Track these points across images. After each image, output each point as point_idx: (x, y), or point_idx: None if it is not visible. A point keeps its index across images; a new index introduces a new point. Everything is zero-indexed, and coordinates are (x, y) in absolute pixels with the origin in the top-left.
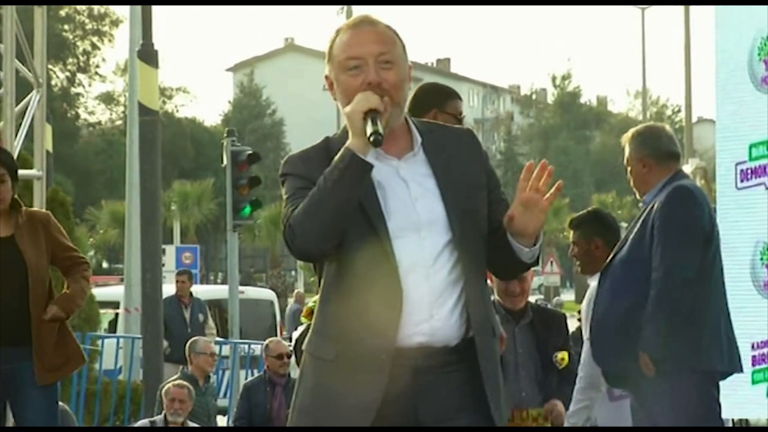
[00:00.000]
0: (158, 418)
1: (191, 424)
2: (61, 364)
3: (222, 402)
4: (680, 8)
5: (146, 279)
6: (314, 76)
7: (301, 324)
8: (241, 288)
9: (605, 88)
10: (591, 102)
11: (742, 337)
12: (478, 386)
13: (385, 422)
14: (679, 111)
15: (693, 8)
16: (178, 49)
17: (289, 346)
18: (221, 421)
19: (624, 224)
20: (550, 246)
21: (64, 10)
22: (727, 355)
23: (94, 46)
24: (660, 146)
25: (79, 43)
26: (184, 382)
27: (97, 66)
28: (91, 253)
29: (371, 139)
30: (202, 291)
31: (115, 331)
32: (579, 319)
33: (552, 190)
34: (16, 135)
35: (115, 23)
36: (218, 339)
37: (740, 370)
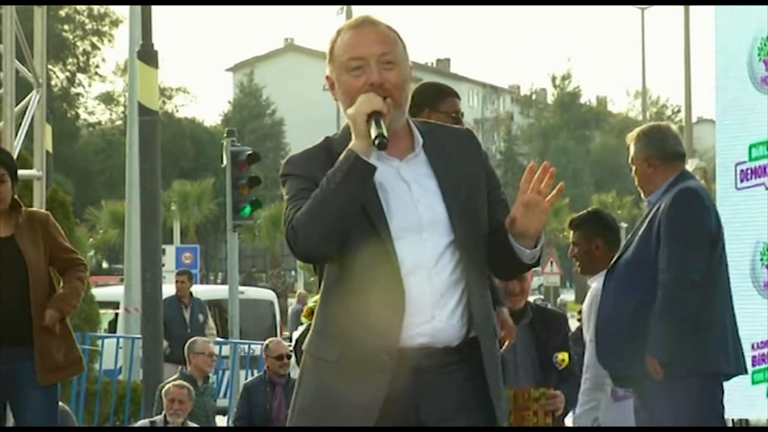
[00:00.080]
0: (158, 419)
1: (191, 425)
2: (63, 365)
3: (222, 402)
4: (680, 8)
5: (146, 279)
6: (314, 76)
7: (302, 324)
8: (241, 288)
9: (605, 88)
10: (591, 102)
11: (742, 337)
12: (479, 385)
13: (386, 422)
14: (678, 111)
15: (693, 8)
16: (177, 49)
17: (289, 346)
18: (221, 421)
19: (624, 224)
20: (549, 246)
21: (63, 10)
22: (732, 357)
23: (94, 47)
24: (665, 146)
25: (78, 43)
26: (184, 383)
27: (97, 66)
28: (91, 253)
29: (376, 142)
30: (202, 291)
31: (115, 331)
32: (579, 320)
33: (554, 192)
34: (16, 135)
35: (115, 23)
36: (218, 339)
37: (745, 371)
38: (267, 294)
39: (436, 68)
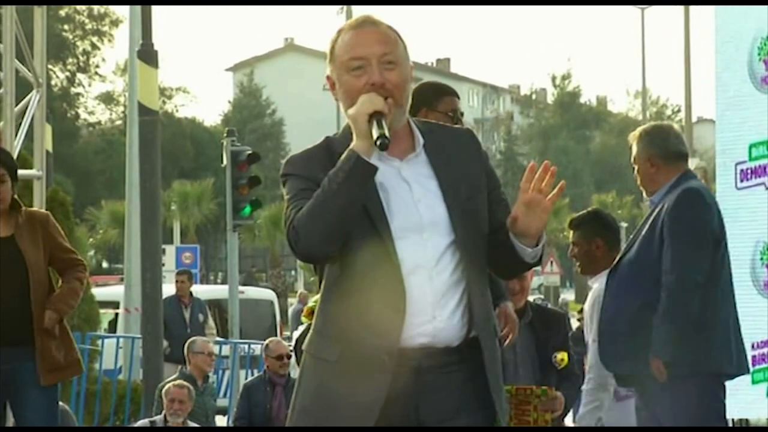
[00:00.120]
0: (158, 418)
1: (191, 424)
2: (63, 365)
3: (222, 402)
4: (680, 8)
5: (146, 279)
6: (314, 76)
7: (302, 324)
8: (241, 288)
9: (605, 88)
10: (591, 102)
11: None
12: (480, 385)
13: (386, 422)
14: (678, 111)
15: (693, 8)
16: (177, 49)
17: (289, 346)
18: (221, 420)
19: (624, 224)
20: (549, 246)
21: (63, 10)
22: (735, 357)
23: (94, 46)
24: (668, 146)
25: (78, 43)
26: (184, 383)
27: (97, 66)
28: (91, 253)
29: (378, 143)
30: (202, 291)
31: (115, 331)
32: (579, 320)
33: (555, 191)
34: (16, 135)
35: (115, 23)
36: (218, 339)
37: (748, 371)
38: (267, 294)
39: (436, 68)
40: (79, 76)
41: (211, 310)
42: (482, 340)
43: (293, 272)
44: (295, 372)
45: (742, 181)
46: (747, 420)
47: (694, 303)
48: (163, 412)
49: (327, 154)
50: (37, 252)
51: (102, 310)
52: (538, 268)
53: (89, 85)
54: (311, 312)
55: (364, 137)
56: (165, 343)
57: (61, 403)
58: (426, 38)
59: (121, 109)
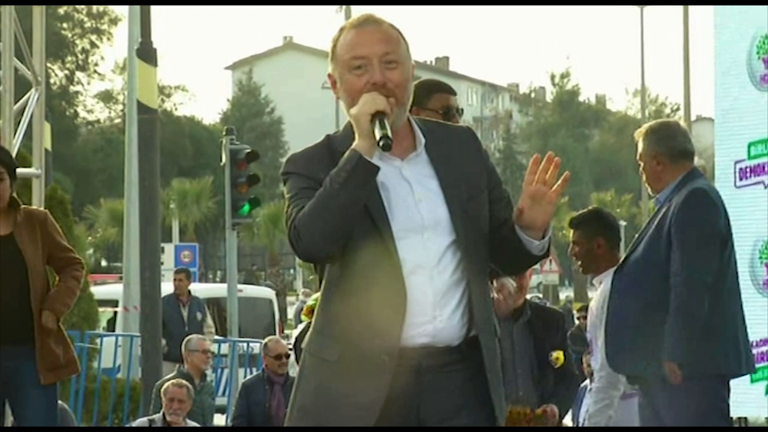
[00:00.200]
0: (157, 417)
1: (190, 423)
2: (62, 364)
3: (221, 400)
4: (679, 7)
5: (145, 277)
6: (313, 74)
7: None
8: (239, 286)
9: (604, 87)
10: (590, 100)
11: None
12: (480, 384)
13: (386, 422)
14: (677, 109)
15: (692, 7)
16: (176, 47)
17: (288, 345)
18: (220, 419)
19: (623, 223)
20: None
21: (62, 9)
22: (744, 357)
23: (93, 45)
24: (675, 144)
25: (77, 42)
26: (183, 381)
27: (96, 64)
28: (90, 251)
29: (381, 143)
30: (200, 289)
31: (113, 330)
32: (578, 318)
33: (559, 182)
34: (14, 133)
35: (114, 21)
36: (217, 337)
37: (753, 370)
38: (266, 292)
39: (435, 66)
40: (78, 74)
41: (210, 308)
42: (482, 339)
43: (292, 271)
44: (294, 371)
45: (741, 179)
46: (746, 419)
47: (703, 303)
48: (162, 410)
49: (328, 153)
50: (35, 250)
51: (101, 309)
52: (537, 266)
53: (88, 84)
54: (311, 311)
55: (366, 137)
56: (163, 342)
57: (59, 401)
58: (425, 37)
59: (120, 107)
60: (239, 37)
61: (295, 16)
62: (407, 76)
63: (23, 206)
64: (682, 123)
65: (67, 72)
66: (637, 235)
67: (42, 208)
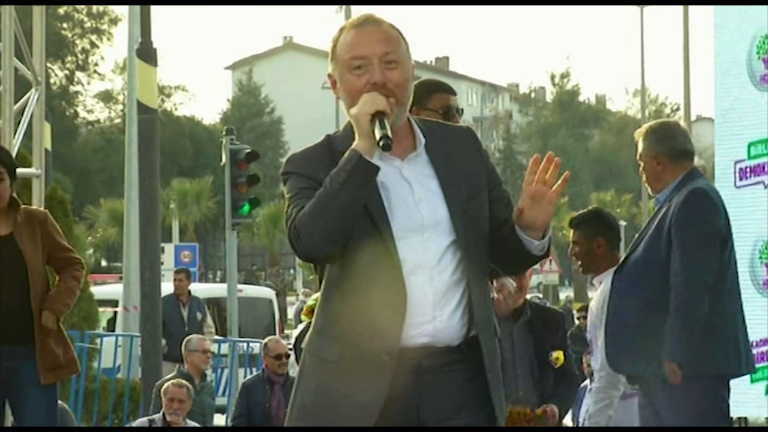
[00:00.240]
0: (157, 417)
1: (190, 423)
2: (62, 364)
3: (221, 400)
4: (679, 7)
5: (145, 277)
6: (313, 74)
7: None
8: (239, 286)
9: (604, 87)
10: (590, 100)
11: None
12: (480, 384)
13: (387, 422)
14: (677, 109)
15: (692, 7)
16: (176, 47)
17: (288, 344)
18: (220, 419)
19: (623, 223)
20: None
21: (62, 9)
22: (744, 357)
23: (93, 45)
24: (675, 144)
25: (77, 42)
26: (184, 381)
27: (96, 64)
28: (90, 251)
29: (381, 143)
30: (200, 289)
31: (113, 330)
32: (578, 318)
33: (559, 182)
34: (14, 133)
35: (114, 21)
36: (217, 337)
37: (754, 370)
38: (266, 292)
39: (435, 66)
40: (78, 74)
41: (210, 308)
42: (482, 339)
43: (292, 271)
44: (294, 371)
45: (741, 179)
46: (746, 419)
47: (703, 303)
48: (162, 410)
49: (328, 153)
50: (35, 250)
51: (101, 309)
52: (537, 266)
53: (88, 84)
54: (311, 310)
55: (366, 137)
56: (163, 342)
57: (59, 401)
58: (425, 37)
59: (120, 107)
60: (239, 37)
61: (295, 16)
62: (407, 76)
63: (23, 206)
64: (682, 123)
65: (67, 72)
66: (637, 235)
67: (42, 208)
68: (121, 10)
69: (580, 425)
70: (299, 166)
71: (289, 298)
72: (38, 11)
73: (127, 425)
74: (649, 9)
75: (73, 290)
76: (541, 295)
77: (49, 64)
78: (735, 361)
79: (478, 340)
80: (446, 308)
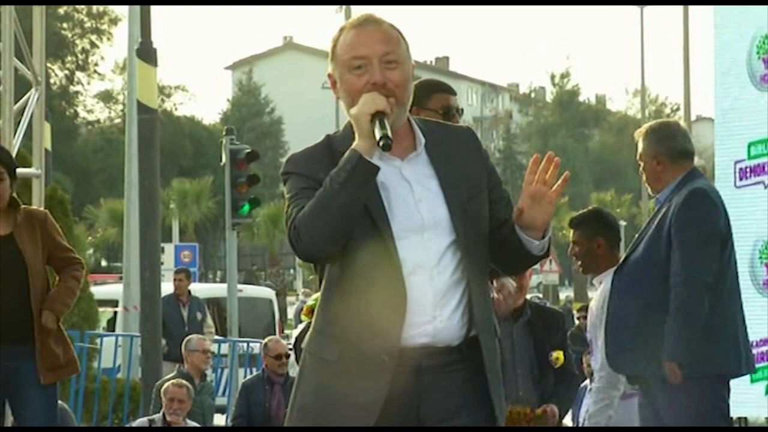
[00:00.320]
0: (157, 417)
1: (190, 423)
2: (62, 364)
3: (221, 400)
4: (679, 7)
5: (145, 277)
6: (313, 74)
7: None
8: (239, 286)
9: (604, 87)
10: (590, 100)
11: None
12: (480, 384)
13: (386, 422)
14: (677, 109)
15: (692, 7)
16: (176, 47)
17: (288, 344)
18: (220, 419)
19: (623, 223)
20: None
21: (62, 9)
22: (743, 357)
23: (93, 45)
24: (674, 144)
25: (77, 42)
26: (184, 381)
27: (96, 64)
28: (90, 251)
29: (381, 143)
30: (200, 289)
31: (113, 330)
32: (578, 318)
33: (559, 182)
34: (14, 133)
35: (114, 21)
36: (217, 337)
37: (754, 370)
38: (266, 292)
39: (435, 66)
40: (78, 74)
41: (210, 308)
42: (482, 339)
43: (292, 271)
44: (294, 371)
45: (741, 179)
46: (746, 419)
47: (703, 304)
48: (162, 410)
49: (328, 153)
50: (35, 250)
51: (101, 309)
52: (537, 266)
53: (88, 84)
54: (311, 310)
55: (366, 137)
56: (163, 342)
57: (59, 401)
58: (425, 37)
59: (120, 107)
60: (239, 37)
61: (295, 16)
62: (407, 76)
63: (23, 206)
64: (682, 123)
65: (67, 72)
66: (637, 235)
67: (42, 208)
68: (121, 10)
69: (580, 425)
70: (299, 166)
71: (289, 298)
72: (38, 11)
73: (127, 425)
74: (649, 9)
75: (73, 290)
76: (541, 295)
77: (49, 64)
78: (735, 361)
79: (478, 340)
80: (446, 308)
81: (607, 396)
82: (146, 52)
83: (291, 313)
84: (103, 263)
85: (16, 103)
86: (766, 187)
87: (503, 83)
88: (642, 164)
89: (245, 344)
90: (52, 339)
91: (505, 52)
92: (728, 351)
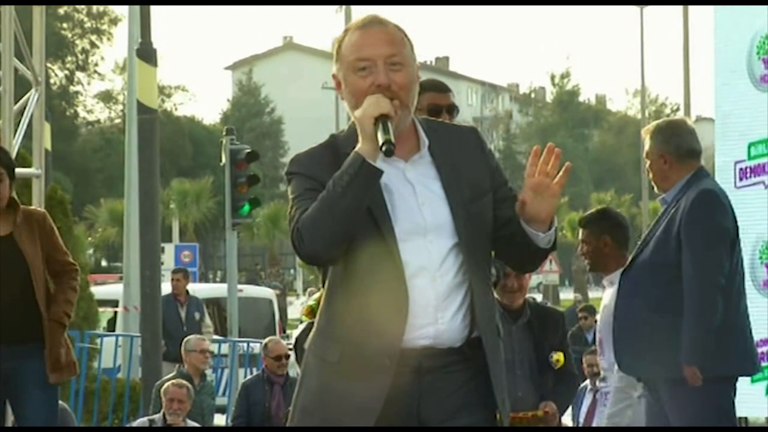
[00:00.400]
0: (157, 417)
1: (190, 423)
2: (63, 365)
3: (221, 400)
4: (679, 7)
5: (145, 277)
6: (313, 74)
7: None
8: (240, 286)
9: (604, 87)
10: (590, 100)
11: None
12: (482, 383)
13: (387, 422)
14: (677, 110)
15: (692, 7)
16: (176, 47)
17: (289, 345)
18: (220, 419)
19: None
20: None
21: (62, 9)
22: (751, 358)
23: (93, 45)
24: (681, 143)
25: (77, 42)
26: (183, 382)
27: (96, 64)
28: (90, 251)
29: (383, 149)
30: (201, 289)
31: (114, 330)
32: (579, 318)
33: (561, 173)
34: (14, 133)
35: (114, 22)
36: (217, 337)
37: (760, 370)
38: (266, 292)
39: (435, 66)
40: (78, 74)
41: (210, 308)
42: (484, 340)
43: (292, 271)
44: (294, 371)
45: (741, 179)
46: (746, 419)
47: (717, 306)
48: (162, 410)
49: (332, 153)
50: (35, 250)
51: (101, 309)
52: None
53: (88, 84)
54: (311, 311)
55: (369, 140)
56: (161, 342)
57: (60, 401)
58: (425, 37)
59: (120, 107)
60: (239, 37)
61: (295, 16)
62: (412, 78)
63: (22, 206)
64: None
65: (67, 72)
66: (644, 236)
67: (41, 208)
68: (121, 10)
69: (603, 425)
70: (303, 167)
71: (289, 298)
72: (38, 11)
73: (127, 425)
74: (649, 9)
75: (73, 301)
76: (541, 296)
77: (49, 64)
78: (749, 362)
79: (480, 341)
80: (448, 310)
81: (628, 396)
82: (146, 52)
83: (292, 313)
84: (103, 263)
85: (16, 103)
86: (766, 187)
87: (503, 83)
88: (648, 163)
89: (245, 344)
90: (61, 341)
91: (505, 52)
92: (741, 352)
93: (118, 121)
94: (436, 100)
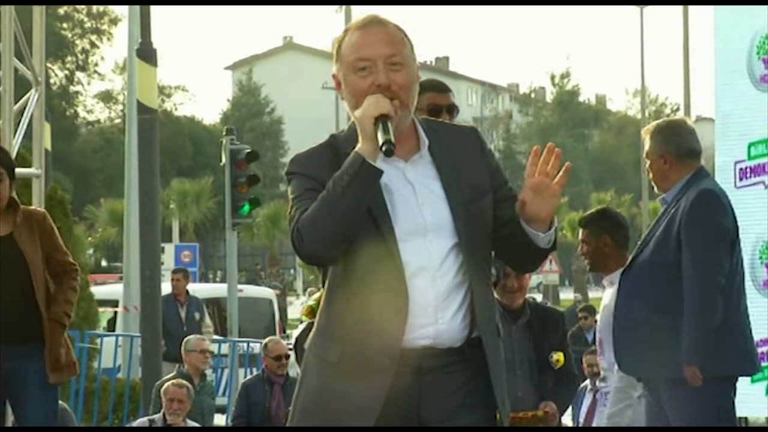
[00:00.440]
0: (157, 417)
1: (190, 423)
2: (63, 365)
3: (221, 400)
4: (679, 7)
5: (145, 277)
6: (313, 74)
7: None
8: (240, 286)
9: (604, 87)
10: (590, 100)
11: None
12: (482, 383)
13: (387, 423)
14: (677, 110)
15: (692, 7)
16: (176, 47)
17: (289, 345)
18: (220, 419)
19: None
20: None
21: (62, 9)
22: (751, 358)
23: (93, 45)
24: (681, 143)
25: (77, 42)
26: (184, 382)
27: (96, 64)
28: (90, 251)
29: (383, 149)
30: (201, 289)
31: (114, 330)
32: (579, 318)
33: (561, 173)
34: (14, 133)
35: (114, 22)
36: (217, 337)
37: (760, 370)
38: (266, 292)
39: (435, 66)
40: (78, 74)
41: (210, 308)
42: (484, 339)
43: (292, 271)
44: (293, 371)
45: (741, 179)
46: (746, 419)
47: (717, 306)
48: (162, 410)
49: (332, 153)
50: (35, 250)
51: (101, 309)
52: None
53: (88, 84)
54: (310, 311)
55: (369, 140)
56: (161, 342)
57: (60, 401)
58: (425, 37)
59: (120, 107)
60: (239, 37)
61: (295, 16)
62: (412, 78)
63: (22, 206)
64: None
65: (67, 72)
66: (644, 236)
67: (41, 208)
68: (121, 10)
69: (603, 425)
70: (303, 167)
71: (290, 298)
72: (38, 11)
73: (127, 425)
74: (649, 9)
75: (73, 301)
76: (541, 296)
77: (49, 64)
78: (749, 362)
79: (481, 341)
80: (448, 311)
81: (628, 396)
82: (146, 52)
83: (292, 313)
84: (103, 263)
85: (16, 103)
86: (766, 187)
87: (503, 83)
88: (649, 163)
89: (245, 344)
90: (61, 341)
91: (505, 52)
92: (741, 352)
93: (118, 121)
94: (436, 100)
